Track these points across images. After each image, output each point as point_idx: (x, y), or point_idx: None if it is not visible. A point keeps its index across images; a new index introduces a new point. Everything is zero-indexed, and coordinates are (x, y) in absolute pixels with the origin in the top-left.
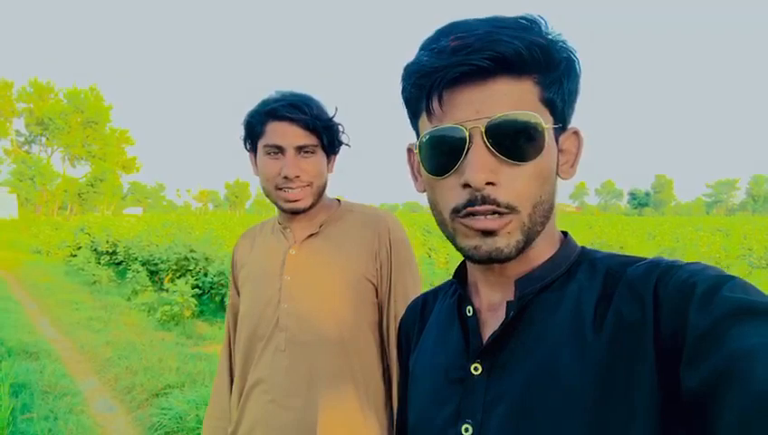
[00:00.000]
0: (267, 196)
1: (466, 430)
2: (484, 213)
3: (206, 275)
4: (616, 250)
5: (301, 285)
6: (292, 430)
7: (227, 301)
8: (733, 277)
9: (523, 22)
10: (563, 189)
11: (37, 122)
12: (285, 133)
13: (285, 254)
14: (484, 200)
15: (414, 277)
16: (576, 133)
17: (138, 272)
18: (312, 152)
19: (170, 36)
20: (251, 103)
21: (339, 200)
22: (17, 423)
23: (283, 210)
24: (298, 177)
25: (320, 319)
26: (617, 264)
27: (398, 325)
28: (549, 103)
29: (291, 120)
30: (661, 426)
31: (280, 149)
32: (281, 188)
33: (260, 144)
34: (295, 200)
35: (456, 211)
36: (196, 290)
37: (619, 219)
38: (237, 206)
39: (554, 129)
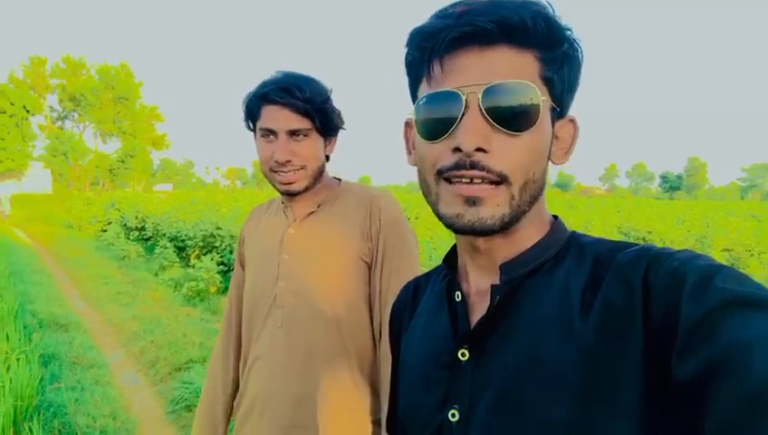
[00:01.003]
0: (265, 177)
1: (453, 415)
2: (471, 177)
3: (231, 252)
4: (644, 235)
5: (298, 263)
6: (290, 403)
7: None
8: (724, 267)
9: (531, 2)
10: (593, 171)
11: (70, 98)
12: (277, 117)
13: (284, 232)
14: (473, 166)
15: (407, 257)
16: (572, 121)
17: (165, 248)
18: (305, 136)
19: (200, 13)
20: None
21: (339, 180)
22: (46, 392)
23: (280, 192)
24: (289, 161)
25: (315, 297)
26: (606, 249)
27: (388, 308)
28: (548, 82)
29: (282, 103)
30: (648, 414)
31: (272, 133)
32: (275, 171)
33: (257, 126)
34: (289, 183)
35: (439, 173)
36: (222, 267)
37: (648, 203)
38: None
39: (551, 111)
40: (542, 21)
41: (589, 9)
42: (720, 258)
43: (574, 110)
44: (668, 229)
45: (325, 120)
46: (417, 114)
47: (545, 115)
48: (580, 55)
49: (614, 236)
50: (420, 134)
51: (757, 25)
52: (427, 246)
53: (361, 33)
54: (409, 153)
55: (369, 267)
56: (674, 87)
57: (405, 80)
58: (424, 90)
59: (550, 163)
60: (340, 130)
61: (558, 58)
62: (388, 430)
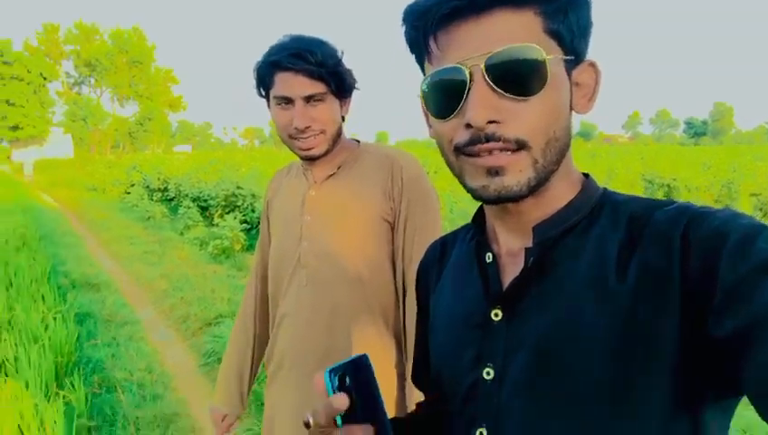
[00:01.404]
0: (284, 143)
1: (488, 373)
2: (490, 150)
3: (253, 210)
4: (668, 181)
5: (319, 224)
6: (318, 359)
7: None
8: (767, 227)
9: None
10: (616, 119)
11: (85, 64)
12: (292, 84)
13: (305, 195)
14: (488, 138)
15: (430, 215)
16: (593, 65)
17: (189, 208)
18: (321, 100)
19: None
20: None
21: (358, 141)
22: (83, 349)
23: (300, 158)
24: (309, 127)
25: (338, 257)
26: (641, 207)
27: (412, 267)
28: (555, 34)
29: (296, 70)
30: (685, 371)
31: (289, 100)
32: (294, 138)
33: (271, 94)
34: (309, 148)
35: (458, 148)
36: (245, 225)
37: (672, 149)
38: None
39: (565, 61)
40: None
41: None
42: (748, 203)
43: (596, 57)
44: (694, 175)
45: (339, 82)
46: (424, 94)
47: (557, 71)
48: None
49: (638, 183)
50: (431, 113)
51: None
52: (448, 198)
53: None
54: (429, 126)
55: (391, 227)
56: (695, 32)
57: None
58: (428, 68)
59: (574, 114)
60: (354, 90)
61: (561, 7)
62: (414, 381)
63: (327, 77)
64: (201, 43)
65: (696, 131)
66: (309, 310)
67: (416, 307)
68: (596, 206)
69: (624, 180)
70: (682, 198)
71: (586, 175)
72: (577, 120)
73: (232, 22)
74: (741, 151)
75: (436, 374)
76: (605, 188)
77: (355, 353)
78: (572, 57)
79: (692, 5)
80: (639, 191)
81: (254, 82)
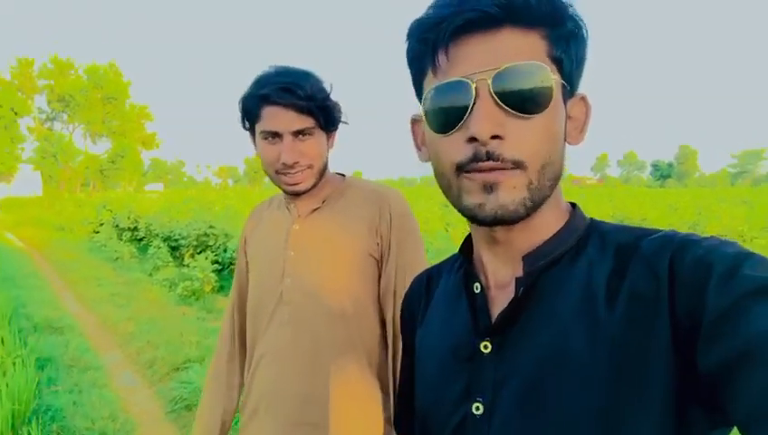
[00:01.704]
0: (269, 179)
1: (477, 408)
2: (489, 169)
3: (225, 250)
4: (637, 223)
5: (304, 260)
6: (297, 402)
7: None
8: (753, 254)
9: None
10: (584, 161)
11: (58, 99)
12: (281, 119)
13: (289, 229)
14: (489, 156)
15: (417, 252)
16: (583, 99)
17: (159, 248)
18: (309, 134)
19: (187, 11)
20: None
21: (343, 175)
22: (43, 396)
23: (285, 193)
24: (297, 162)
25: (322, 293)
26: (629, 237)
27: (402, 301)
28: (557, 61)
29: (285, 105)
30: (676, 404)
31: (277, 135)
32: (281, 173)
33: (257, 128)
34: (296, 184)
35: (459, 167)
36: (216, 265)
37: (640, 191)
38: (256, 181)
39: (563, 90)
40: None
41: None
42: None
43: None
44: (661, 217)
45: (328, 117)
46: (426, 107)
47: (558, 95)
48: (584, 32)
49: None
50: (431, 128)
51: (745, 10)
52: (423, 237)
53: (348, 28)
54: (419, 150)
55: (377, 263)
56: (662, 75)
57: (399, 76)
58: (430, 82)
59: (566, 145)
60: (340, 124)
61: (564, 36)
62: (395, 426)
63: (316, 111)
64: (177, 79)
65: (662, 174)
66: (290, 349)
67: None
68: (584, 235)
69: None
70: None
71: (573, 205)
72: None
73: (209, 58)
74: (705, 194)
75: (422, 412)
76: (592, 219)
77: (337, 397)
78: (569, 87)
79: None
80: None
81: (238, 115)
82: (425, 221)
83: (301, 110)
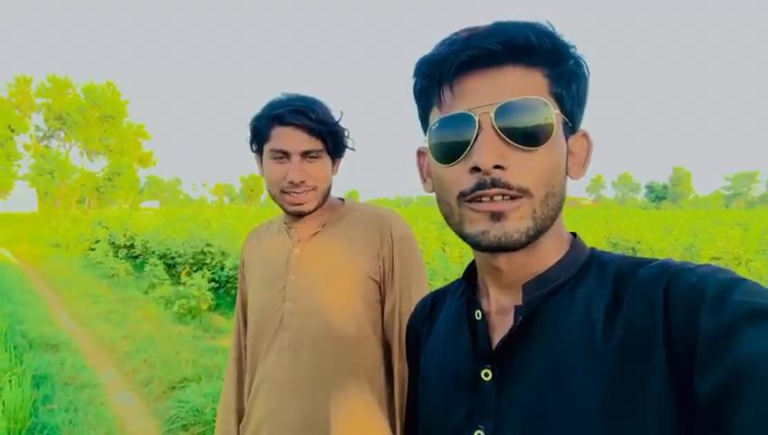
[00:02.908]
0: (273, 198)
1: None
2: (493, 196)
3: (222, 268)
4: (633, 244)
5: (305, 283)
6: (299, 427)
7: None
8: (744, 280)
9: (534, 22)
10: (579, 182)
11: (55, 117)
12: (291, 139)
13: (289, 253)
14: (494, 184)
15: (419, 275)
16: (585, 136)
17: (155, 265)
18: (317, 157)
19: (185, 31)
20: (265, 99)
21: (342, 200)
22: (39, 414)
23: (288, 213)
24: (303, 182)
25: (325, 317)
26: (627, 266)
27: (406, 324)
28: (558, 98)
29: (296, 125)
30: (674, 428)
31: (285, 154)
32: (286, 192)
33: (266, 148)
34: (300, 203)
35: (463, 195)
36: (213, 284)
37: (635, 213)
38: (252, 199)
39: (563, 125)
40: (547, 39)
41: (573, 20)
42: None
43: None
44: (657, 239)
45: (336, 142)
46: (431, 139)
47: (559, 129)
48: (586, 71)
49: (603, 245)
50: (436, 158)
51: (739, 36)
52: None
53: (347, 48)
54: (424, 181)
55: (379, 286)
56: (658, 97)
57: (397, 98)
58: (435, 115)
59: (568, 178)
60: (349, 150)
61: (565, 74)
62: None
63: (325, 135)
64: (174, 98)
65: (657, 195)
66: (290, 375)
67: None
68: (584, 265)
69: (590, 243)
70: (676, 260)
71: (574, 234)
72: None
73: (207, 78)
74: (700, 216)
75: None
76: (593, 248)
77: (339, 422)
78: (570, 124)
79: (650, 73)
80: None
81: (248, 136)
82: (421, 241)
83: (312, 131)
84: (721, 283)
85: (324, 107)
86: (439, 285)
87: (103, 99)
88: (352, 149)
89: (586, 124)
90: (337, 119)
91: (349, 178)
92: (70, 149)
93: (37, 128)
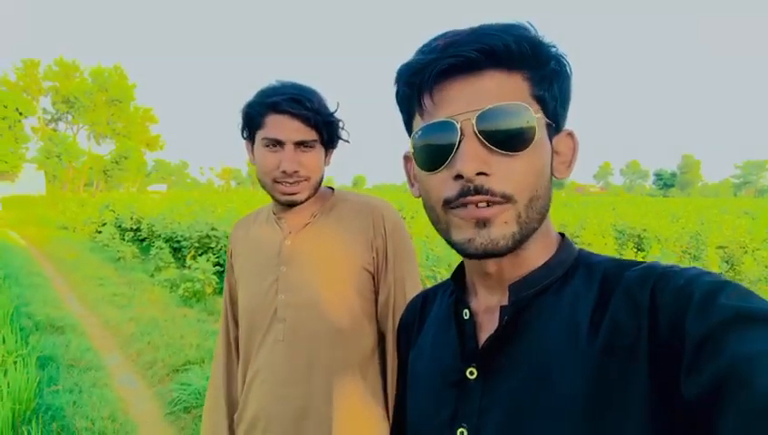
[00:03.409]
0: (263, 187)
1: (462, 434)
2: (477, 202)
3: (226, 252)
4: (639, 232)
5: (297, 275)
6: (294, 420)
7: None
8: (730, 283)
9: (514, 25)
10: (587, 169)
11: (63, 100)
12: (286, 127)
13: (281, 244)
14: (477, 190)
15: (411, 265)
16: (570, 135)
17: (161, 249)
18: (311, 147)
19: (192, 14)
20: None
21: (332, 189)
22: (44, 395)
23: (279, 202)
24: (296, 172)
25: (317, 309)
26: (613, 268)
27: (397, 319)
28: (540, 100)
29: (292, 114)
30: (658, 432)
31: (279, 143)
32: (278, 182)
33: (258, 135)
34: (293, 193)
35: (447, 202)
36: (218, 267)
37: (643, 200)
38: (258, 183)
39: (547, 127)
40: (526, 43)
41: (581, 9)
42: (715, 256)
43: (570, 118)
44: (663, 227)
45: (330, 133)
46: (415, 147)
47: (541, 132)
48: (568, 70)
49: (609, 233)
50: (420, 166)
51: (747, 24)
52: (424, 245)
53: (353, 33)
54: (412, 185)
55: (372, 277)
56: (667, 84)
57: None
58: (418, 123)
59: (554, 178)
60: (344, 142)
61: (546, 76)
62: None
63: (321, 126)
64: (182, 81)
65: (666, 183)
66: (285, 367)
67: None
68: (571, 267)
69: (596, 230)
70: (652, 248)
71: (562, 235)
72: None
73: (214, 61)
74: (708, 204)
75: (412, 432)
76: (581, 249)
77: (334, 414)
78: (554, 124)
79: (659, 60)
80: (611, 241)
81: (239, 122)
82: (426, 226)
83: (307, 121)
84: (707, 286)
85: (320, 97)
86: (444, 271)
87: (111, 82)
88: (347, 141)
89: (593, 114)
90: (333, 109)
91: (355, 164)
92: (77, 133)
93: (45, 111)
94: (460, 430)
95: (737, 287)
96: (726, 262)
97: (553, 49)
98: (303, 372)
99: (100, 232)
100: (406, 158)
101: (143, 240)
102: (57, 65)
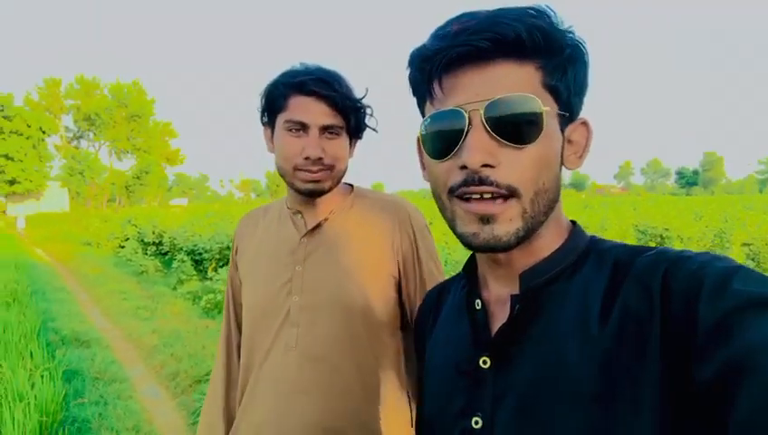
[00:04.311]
0: (283, 176)
1: (476, 422)
2: (482, 193)
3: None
4: (661, 232)
5: (314, 275)
6: (310, 432)
7: None
8: (743, 268)
9: (530, 11)
10: (607, 169)
11: (84, 118)
12: (311, 110)
13: (296, 242)
14: (482, 181)
15: (438, 267)
16: (585, 124)
17: (183, 262)
18: (336, 134)
19: (209, 30)
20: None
21: (351, 186)
22: (70, 408)
23: (299, 192)
24: (320, 158)
25: (335, 313)
26: (625, 254)
27: (415, 316)
28: (552, 90)
29: (319, 96)
30: (669, 420)
31: (303, 127)
32: (300, 169)
33: (280, 118)
34: (316, 181)
35: (451, 191)
36: None
37: (665, 199)
38: (278, 194)
39: (559, 116)
40: (538, 32)
41: (601, 5)
42: (740, 253)
43: (587, 109)
44: (686, 225)
45: (358, 121)
46: (423, 134)
47: (551, 124)
48: (585, 57)
49: (631, 234)
50: (428, 153)
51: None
52: (443, 251)
53: (369, 42)
54: (423, 168)
55: (396, 280)
56: (687, 81)
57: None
58: (428, 109)
59: (564, 169)
60: (372, 131)
61: (560, 65)
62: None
63: (349, 111)
64: (200, 96)
65: (688, 181)
66: (296, 376)
67: None
68: (582, 254)
69: (617, 231)
70: (675, 248)
71: (574, 223)
72: (569, 171)
73: (232, 75)
74: (732, 201)
75: (428, 424)
76: (592, 236)
77: (356, 429)
78: (567, 114)
79: (679, 57)
80: (632, 241)
81: (260, 105)
82: (445, 233)
83: (335, 105)
84: (720, 271)
85: (348, 82)
86: None
87: (130, 98)
88: (374, 129)
89: (613, 113)
90: (361, 96)
91: (373, 170)
92: (99, 149)
93: (67, 129)
94: (474, 418)
95: (750, 272)
96: (752, 259)
97: (570, 36)
98: (317, 383)
99: (123, 247)
100: (418, 140)
101: (165, 253)
102: (78, 83)
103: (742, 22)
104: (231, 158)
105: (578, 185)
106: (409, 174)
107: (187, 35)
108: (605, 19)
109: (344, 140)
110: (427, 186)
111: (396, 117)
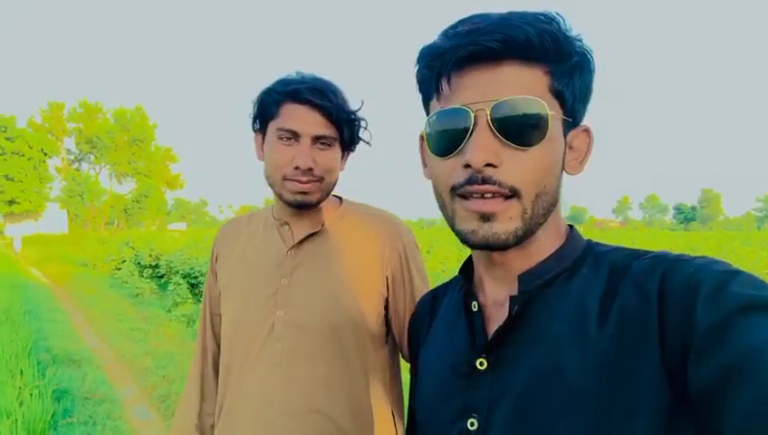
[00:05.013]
0: (271, 185)
1: (472, 424)
2: (483, 192)
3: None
4: None
5: (301, 290)
6: None
7: None
8: (740, 272)
9: (541, 16)
10: (606, 204)
11: (86, 141)
12: (304, 119)
13: (283, 254)
14: (485, 181)
15: (426, 284)
16: (587, 131)
17: (178, 284)
18: (329, 145)
19: (212, 57)
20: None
21: (340, 198)
22: (58, 427)
23: (287, 203)
24: (311, 169)
25: (322, 330)
26: (622, 258)
27: (408, 322)
28: (558, 95)
29: (312, 105)
30: (666, 422)
31: (295, 136)
32: (289, 179)
33: (272, 126)
34: (305, 193)
35: (454, 189)
36: None
37: (663, 234)
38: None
39: (563, 122)
40: (548, 37)
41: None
42: None
43: (589, 120)
44: None
45: (352, 133)
46: (428, 131)
47: (555, 128)
48: (591, 65)
49: None
50: (432, 150)
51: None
52: (439, 278)
53: (380, 59)
54: (425, 166)
55: (384, 296)
56: (685, 117)
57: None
58: (434, 106)
59: (565, 175)
60: (364, 146)
61: (567, 71)
62: None
63: (342, 122)
64: (201, 121)
65: (686, 217)
66: (282, 393)
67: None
68: (579, 257)
69: None
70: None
71: (571, 226)
72: (567, 205)
73: (233, 102)
74: (730, 237)
75: (423, 427)
76: (589, 240)
77: None
78: (570, 119)
79: (676, 92)
80: None
81: (252, 112)
82: (443, 260)
83: (328, 114)
84: (717, 274)
85: (343, 93)
86: None
87: (132, 123)
88: (368, 143)
89: (611, 148)
90: (356, 108)
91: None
92: (99, 172)
93: (68, 151)
94: (470, 420)
95: (748, 276)
96: None
97: (578, 43)
98: (301, 401)
99: (119, 269)
100: (421, 137)
101: (161, 276)
102: (81, 107)
103: (742, 58)
104: (230, 183)
105: (576, 218)
106: (405, 204)
107: (190, 63)
108: (601, 50)
109: (336, 151)
110: (426, 215)
111: (393, 147)
